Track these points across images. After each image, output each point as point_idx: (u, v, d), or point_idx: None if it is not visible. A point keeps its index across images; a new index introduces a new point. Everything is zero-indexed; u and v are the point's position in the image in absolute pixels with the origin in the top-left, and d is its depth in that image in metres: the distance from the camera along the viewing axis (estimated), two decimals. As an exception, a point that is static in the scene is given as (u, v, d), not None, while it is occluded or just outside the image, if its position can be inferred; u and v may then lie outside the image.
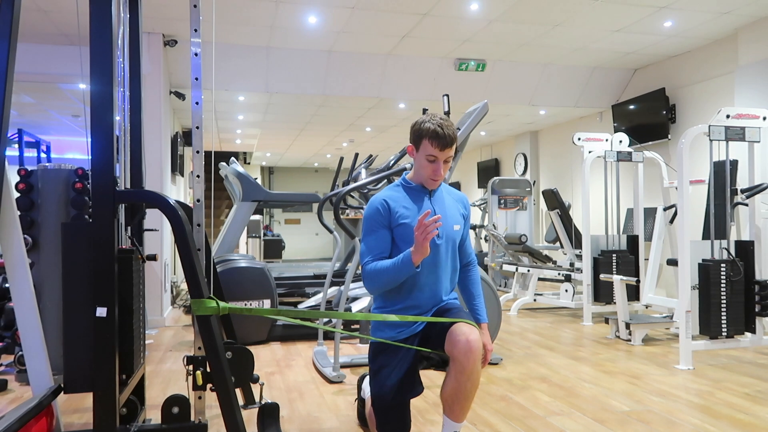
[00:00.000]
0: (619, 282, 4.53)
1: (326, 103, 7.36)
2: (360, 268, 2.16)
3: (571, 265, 5.80)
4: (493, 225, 7.31)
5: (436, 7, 5.01)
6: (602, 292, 5.15)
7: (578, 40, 5.92)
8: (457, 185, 12.27)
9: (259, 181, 12.82)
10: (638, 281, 5.02)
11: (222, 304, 2.01)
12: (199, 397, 2.18)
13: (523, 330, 5.01)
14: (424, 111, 2.83)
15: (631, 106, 7.03)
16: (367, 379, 2.61)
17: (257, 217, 10.06)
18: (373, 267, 2.05)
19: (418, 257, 1.94)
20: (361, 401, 2.67)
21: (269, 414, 2.45)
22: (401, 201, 2.12)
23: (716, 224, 4.00)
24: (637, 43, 6.05)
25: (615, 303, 4.91)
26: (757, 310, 3.76)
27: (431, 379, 3.40)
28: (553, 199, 6.05)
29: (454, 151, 2.06)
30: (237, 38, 5.76)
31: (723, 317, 3.70)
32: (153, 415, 2.68)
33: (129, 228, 2.42)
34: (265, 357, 4.02)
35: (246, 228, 8.22)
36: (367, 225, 2.11)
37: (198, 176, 2.20)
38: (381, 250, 2.08)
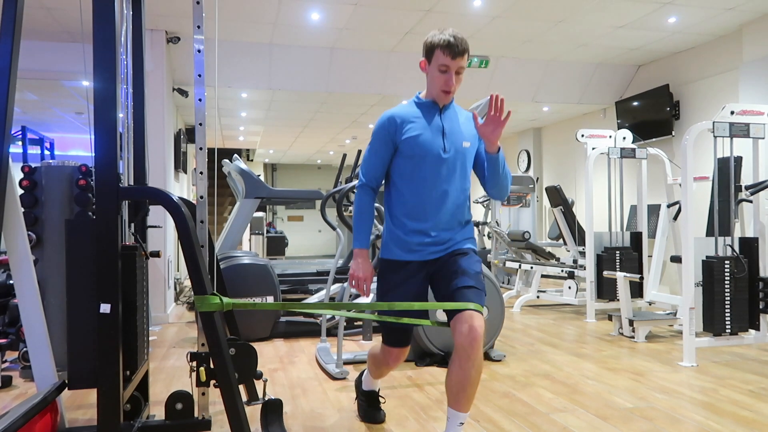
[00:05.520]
0: (622, 279, 4.52)
1: (329, 100, 7.35)
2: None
3: (575, 261, 5.79)
4: (496, 222, 7.29)
5: (439, 3, 4.99)
6: (605, 289, 5.14)
7: (582, 36, 5.90)
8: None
9: (262, 178, 12.82)
10: (642, 278, 5.01)
11: (225, 299, 2.02)
12: (203, 394, 2.19)
13: (526, 327, 5.01)
14: None
15: (635, 103, 7.01)
16: (365, 373, 2.61)
17: (260, 213, 10.08)
18: (358, 204, 2.19)
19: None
20: (361, 399, 2.67)
21: (272, 410, 2.46)
22: (410, 115, 2.17)
23: (720, 221, 3.99)
24: (640, 40, 6.02)
25: (618, 300, 4.91)
26: (761, 307, 3.75)
27: (434, 375, 3.41)
28: (556, 196, 6.04)
29: (465, 61, 2.10)
30: (240, 35, 5.76)
31: (727, 314, 3.69)
32: (157, 411, 2.69)
33: (132, 225, 2.42)
34: (269, 353, 4.03)
35: (249, 225, 8.23)
36: (372, 139, 2.19)
37: (201, 173, 2.21)
38: (374, 174, 2.19)
